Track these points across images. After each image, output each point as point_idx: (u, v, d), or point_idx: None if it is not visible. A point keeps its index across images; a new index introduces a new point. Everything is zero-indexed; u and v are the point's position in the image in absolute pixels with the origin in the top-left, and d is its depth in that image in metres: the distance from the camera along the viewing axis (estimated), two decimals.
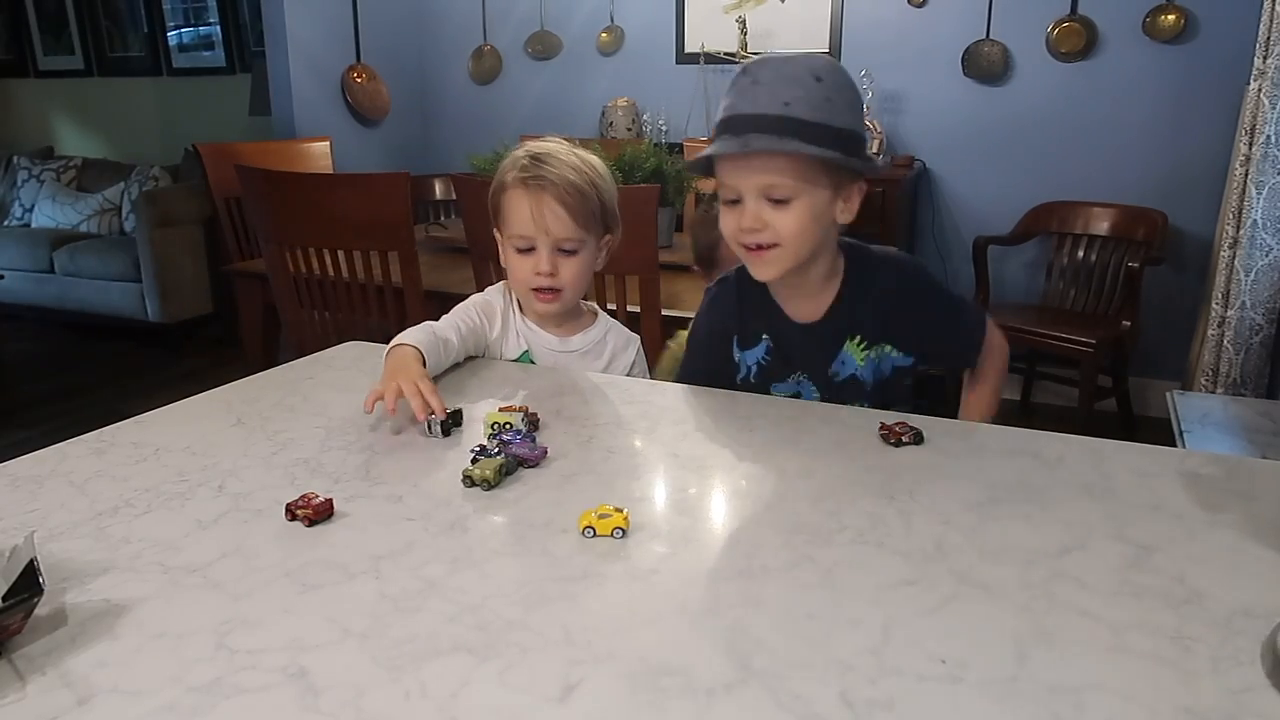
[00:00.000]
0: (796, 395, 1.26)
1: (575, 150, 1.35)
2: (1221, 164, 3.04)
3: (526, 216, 1.29)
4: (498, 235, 1.38)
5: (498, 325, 1.37)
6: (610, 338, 1.43)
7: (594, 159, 1.35)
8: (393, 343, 1.20)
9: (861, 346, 1.23)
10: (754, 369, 1.27)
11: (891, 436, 1.03)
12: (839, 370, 1.24)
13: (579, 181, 1.30)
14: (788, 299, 1.24)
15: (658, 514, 0.86)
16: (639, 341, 1.47)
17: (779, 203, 1.11)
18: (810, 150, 1.07)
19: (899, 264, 1.25)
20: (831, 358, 1.24)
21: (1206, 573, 0.75)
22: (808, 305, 1.23)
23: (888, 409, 1.15)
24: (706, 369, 1.29)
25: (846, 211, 1.16)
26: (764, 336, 1.26)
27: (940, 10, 3.60)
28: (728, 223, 1.15)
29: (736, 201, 1.13)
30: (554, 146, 1.34)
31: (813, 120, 1.08)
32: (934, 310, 1.26)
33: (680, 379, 1.32)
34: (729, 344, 1.28)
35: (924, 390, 1.33)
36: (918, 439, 1.03)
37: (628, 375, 1.41)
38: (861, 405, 1.22)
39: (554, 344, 1.38)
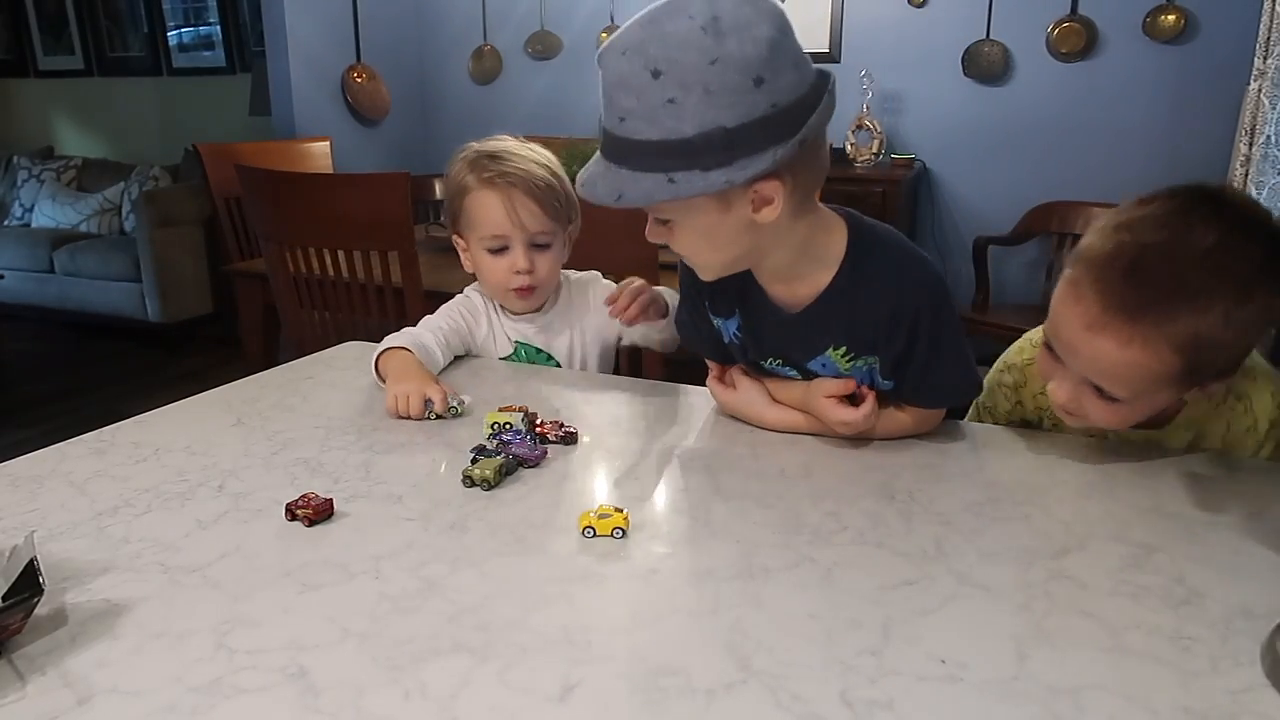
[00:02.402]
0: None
1: (527, 144, 1.34)
2: (1221, 164, 3.04)
3: (499, 215, 1.28)
4: (460, 241, 1.36)
5: (483, 325, 1.37)
6: (572, 298, 1.39)
7: (547, 151, 1.34)
8: (383, 346, 1.21)
9: (847, 358, 1.03)
10: (732, 340, 1.10)
11: (539, 432, 1.02)
12: (818, 370, 1.05)
13: (544, 174, 1.29)
14: (765, 280, 1.02)
15: (658, 514, 0.86)
16: (595, 276, 1.43)
17: (664, 222, 0.93)
18: (638, 190, 0.85)
19: (906, 275, 0.99)
20: (810, 355, 1.04)
21: (1206, 573, 0.75)
22: (788, 290, 1.02)
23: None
24: (694, 324, 1.14)
25: (766, 213, 0.89)
26: (736, 311, 1.06)
27: (940, 10, 3.60)
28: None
29: None
30: (507, 144, 1.32)
31: (649, 139, 0.83)
32: (920, 353, 1.00)
33: (678, 321, 1.19)
34: (706, 312, 1.11)
35: None
36: (569, 440, 1.02)
37: (600, 304, 1.32)
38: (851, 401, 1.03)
39: (538, 324, 1.37)
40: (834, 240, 0.99)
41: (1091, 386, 0.91)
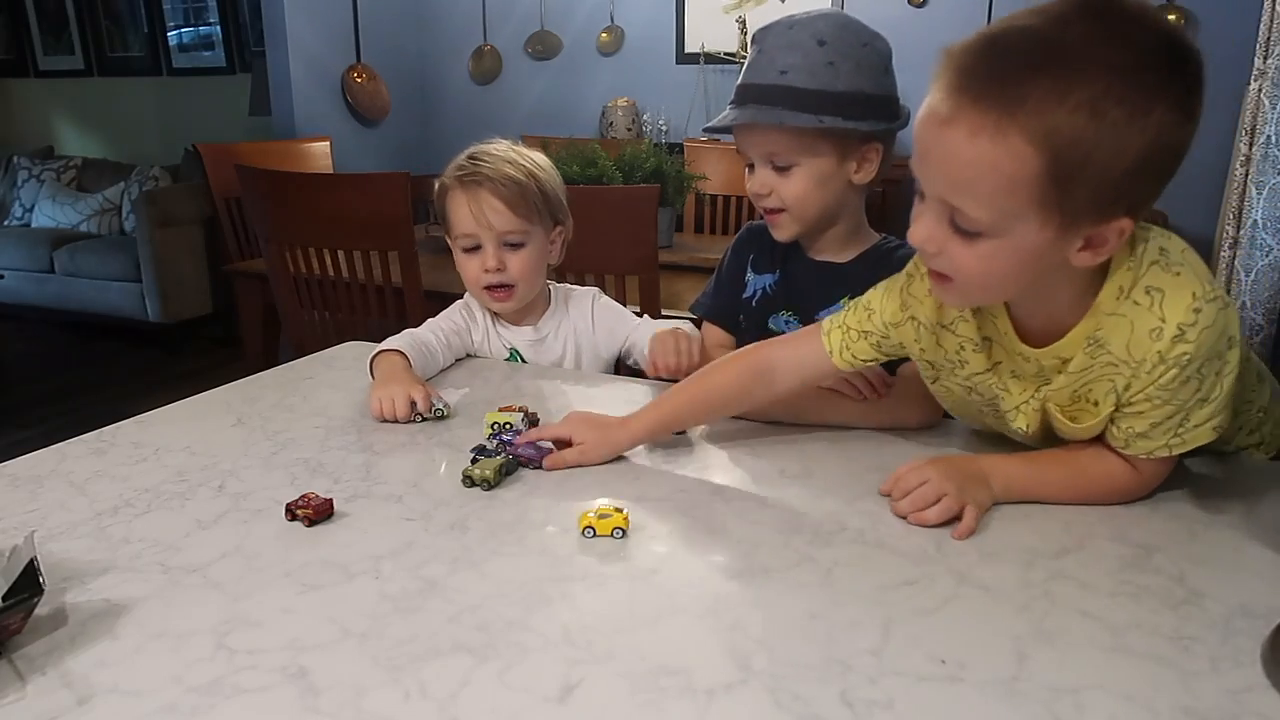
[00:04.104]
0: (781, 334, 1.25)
1: (515, 147, 1.35)
2: (1221, 164, 3.03)
3: (466, 214, 1.29)
4: (450, 242, 1.37)
5: (479, 331, 1.38)
6: (568, 311, 1.40)
7: (535, 154, 1.35)
8: (377, 350, 1.21)
9: None
10: (759, 293, 1.28)
11: None
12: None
13: (514, 173, 1.29)
14: (813, 247, 1.25)
15: (658, 514, 0.86)
16: (594, 293, 1.44)
17: (782, 168, 1.15)
18: (797, 121, 1.08)
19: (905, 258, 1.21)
20: (825, 305, 1.21)
21: (1206, 573, 0.75)
22: (831, 257, 1.24)
23: None
24: (721, 298, 1.32)
25: (863, 173, 1.16)
26: (779, 270, 1.26)
27: (940, 10, 3.60)
28: (748, 184, 1.19)
29: (752, 165, 1.18)
30: (492, 145, 1.34)
31: (808, 88, 1.09)
32: None
33: (697, 302, 1.36)
34: (745, 270, 1.30)
35: None
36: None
37: (605, 321, 1.39)
38: None
39: (529, 335, 1.38)
40: (871, 232, 1.26)
41: (951, 223, 0.77)
